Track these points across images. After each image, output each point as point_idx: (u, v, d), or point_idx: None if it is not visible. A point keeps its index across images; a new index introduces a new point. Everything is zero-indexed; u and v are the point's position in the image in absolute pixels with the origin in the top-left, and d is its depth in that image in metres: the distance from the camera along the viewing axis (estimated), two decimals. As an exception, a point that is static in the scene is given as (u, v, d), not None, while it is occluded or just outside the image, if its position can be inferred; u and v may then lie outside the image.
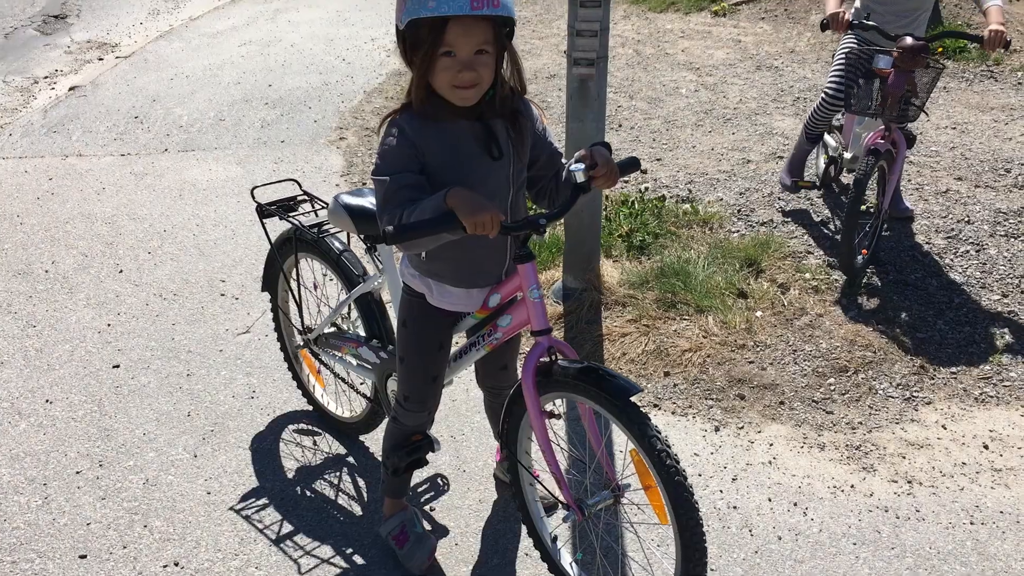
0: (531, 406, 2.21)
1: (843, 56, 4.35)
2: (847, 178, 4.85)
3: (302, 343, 3.12)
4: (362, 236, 2.60)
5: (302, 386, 3.31)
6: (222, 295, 4.14)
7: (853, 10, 4.29)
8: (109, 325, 3.91)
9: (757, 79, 6.76)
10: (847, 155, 4.57)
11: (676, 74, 6.91)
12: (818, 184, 4.77)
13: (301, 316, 3.08)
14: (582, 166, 2.06)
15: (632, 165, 2.20)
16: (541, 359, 2.18)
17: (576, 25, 3.32)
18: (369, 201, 2.51)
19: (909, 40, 3.84)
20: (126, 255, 4.52)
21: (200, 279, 4.28)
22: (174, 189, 5.27)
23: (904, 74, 3.85)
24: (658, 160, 5.26)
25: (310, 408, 3.32)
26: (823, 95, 4.46)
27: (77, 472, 3.00)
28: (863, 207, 3.99)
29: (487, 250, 2.22)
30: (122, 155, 5.78)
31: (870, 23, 4.02)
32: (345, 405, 3.22)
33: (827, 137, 4.73)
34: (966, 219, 4.56)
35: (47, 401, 3.39)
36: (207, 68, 7.42)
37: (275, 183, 3.29)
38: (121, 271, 4.37)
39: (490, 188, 2.10)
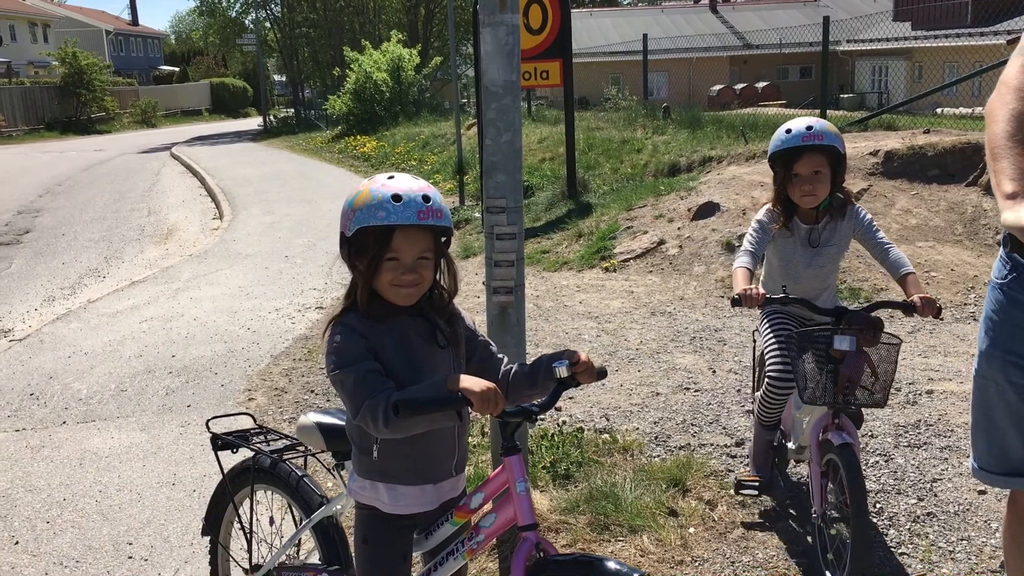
0: None
1: (772, 333, 3.75)
2: (795, 471, 4.29)
3: None
4: (332, 452, 2.59)
5: None
6: (130, 558, 3.88)
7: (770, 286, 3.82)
8: (3, 598, 3.59)
9: (653, 323, 7.10)
10: (791, 445, 3.96)
11: (577, 322, 7.21)
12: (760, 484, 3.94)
13: (250, 553, 2.92)
14: (565, 362, 2.18)
15: (603, 373, 2.31)
16: (530, 556, 2.11)
17: (494, 256, 3.50)
18: (338, 418, 2.52)
19: (866, 316, 3.31)
20: (22, 526, 4.23)
21: (105, 544, 4.01)
22: (74, 459, 5.04)
23: (862, 354, 3.26)
24: (571, 398, 5.36)
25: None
26: (768, 380, 3.72)
27: None
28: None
29: (439, 443, 2.23)
30: (16, 431, 5.54)
31: (792, 297, 3.46)
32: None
33: None
34: (870, 433, 4.74)
35: None
36: (107, 344, 7.33)
37: (231, 415, 3.34)
38: (17, 543, 4.06)
39: (441, 375, 2.14)
